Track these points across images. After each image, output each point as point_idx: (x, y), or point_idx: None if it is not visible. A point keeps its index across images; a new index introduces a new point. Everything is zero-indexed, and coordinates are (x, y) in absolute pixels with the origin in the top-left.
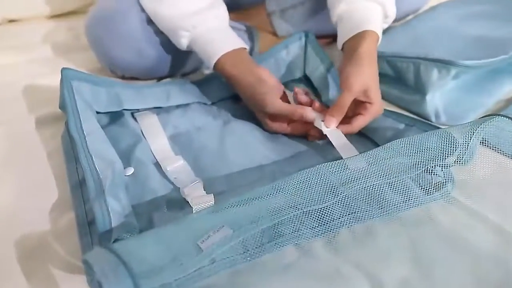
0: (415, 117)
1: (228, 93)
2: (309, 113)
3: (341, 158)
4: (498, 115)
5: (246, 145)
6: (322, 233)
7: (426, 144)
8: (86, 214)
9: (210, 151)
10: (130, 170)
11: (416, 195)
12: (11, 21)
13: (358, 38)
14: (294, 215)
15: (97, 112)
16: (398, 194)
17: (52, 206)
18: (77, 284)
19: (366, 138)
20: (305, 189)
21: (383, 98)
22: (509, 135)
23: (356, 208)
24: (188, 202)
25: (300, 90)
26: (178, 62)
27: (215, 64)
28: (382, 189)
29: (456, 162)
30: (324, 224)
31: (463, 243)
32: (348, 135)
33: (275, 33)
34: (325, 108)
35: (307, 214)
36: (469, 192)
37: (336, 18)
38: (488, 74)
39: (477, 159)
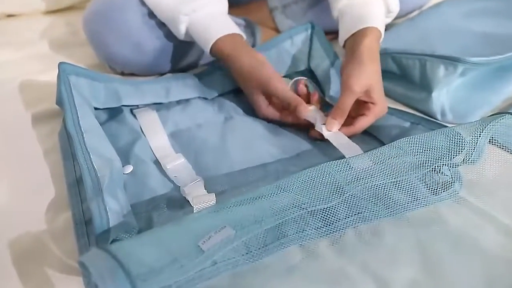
0: (420, 115)
1: (229, 87)
2: (304, 110)
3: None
4: (507, 113)
5: (249, 142)
6: (327, 233)
7: (433, 143)
8: (83, 214)
9: (212, 149)
10: (129, 168)
11: (423, 195)
12: (8, 16)
13: (359, 35)
14: (298, 215)
15: (95, 108)
16: (405, 193)
17: (49, 205)
18: (74, 286)
19: (370, 137)
20: (310, 188)
21: (388, 95)
22: None
23: (362, 208)
24: (188, 201)
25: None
26: (178, 57)
27: (213, 45)
28: (389, 189)
29: (464, 162)
30: (329, 224)
31: (472, 244)
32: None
33: (277, 29)
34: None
35: (312, 214)
36: (477, 192)
37: (337, 13)
38: (495, 72)
39: (485, 158)
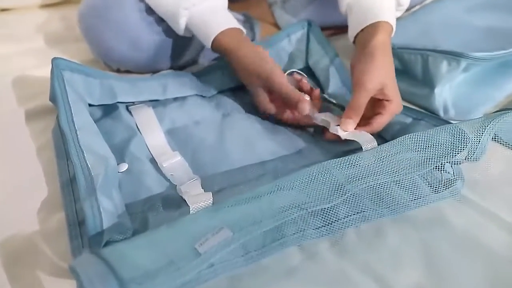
0: (422, 111)
1: (227, 85)
2: (305, 106)
3: (347, 153)
4: (511, 110)
5: (247, 140)
6: (327, 233)
7: (436, 140)
8: (77, 214)
9: (209, 147)
10: (124, 167)
11: (425, 193)
12: (2, 10)
13: (370, 30)
14: (298, 215)
15: (90, 105)
16: (407, 192)
17: (41, 205)
18: None
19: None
20: (310, 187)
21: None
22: None
23: (363, 207)
24: (185, 200)
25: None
26: (176, 54)
27: (214, 39)
28: (390, 187)
29: (467, 159)
30: (329, 224)
31: (475, 244)
32: None
33: (276, 24)
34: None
35: (311, 214)
36: (480, 190)
37: (346, 7)
38: (498, 67)
39: (488, 156)
